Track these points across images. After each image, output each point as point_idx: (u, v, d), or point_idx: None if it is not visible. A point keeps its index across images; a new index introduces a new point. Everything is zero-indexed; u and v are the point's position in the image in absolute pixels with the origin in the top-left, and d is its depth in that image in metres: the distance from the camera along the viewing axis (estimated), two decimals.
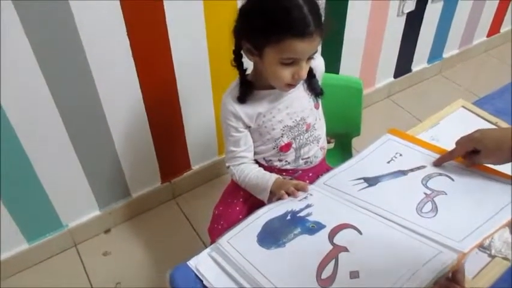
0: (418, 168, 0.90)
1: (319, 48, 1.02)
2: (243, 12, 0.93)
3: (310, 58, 0.93)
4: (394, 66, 2.31)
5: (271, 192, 0.98)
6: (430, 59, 2.46)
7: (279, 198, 0.90)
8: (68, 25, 1.22)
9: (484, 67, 2.65)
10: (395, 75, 2.35)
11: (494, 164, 0.86)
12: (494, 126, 1.14)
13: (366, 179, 0.88)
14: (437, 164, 0.91)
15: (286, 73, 0.92)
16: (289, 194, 0.89)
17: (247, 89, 1.01)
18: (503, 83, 1.36)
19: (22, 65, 1.21)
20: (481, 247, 0.84)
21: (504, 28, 2.76)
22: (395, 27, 2.11)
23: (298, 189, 0.89)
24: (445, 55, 2.53)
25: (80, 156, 1.49)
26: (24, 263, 1.58)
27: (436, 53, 2.45)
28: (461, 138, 0.89)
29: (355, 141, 1.38)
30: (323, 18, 0.90)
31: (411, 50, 2.31)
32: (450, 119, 1.18)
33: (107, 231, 1.71)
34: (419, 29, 2.22)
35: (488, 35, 2.70)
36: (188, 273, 0.77)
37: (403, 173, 0.89)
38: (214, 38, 1.52)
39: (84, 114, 1.42)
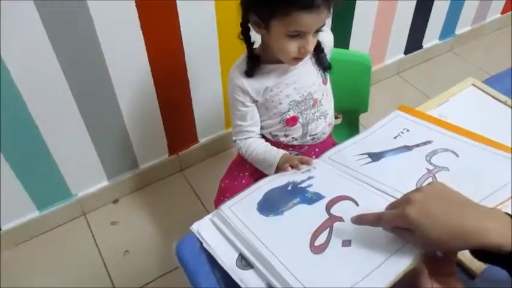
0: (424, 143, 0.90)
1: (329, 23, 1.01)
2: None
3: (317, 31, 0.92)
4: (405, 42, 2.28)
5: (277, 167, 0.99)
6: (442, 36, 2.42)
7: (283, 171, 0.91)
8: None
9: (496, 45, 2.60)
10: (406, 52, 2.33)
11: (424, 250, 0.63)
12: (503, 105, 1.13)
13: (370, 154, 0.89)
14: (357, 223, 0.67)
15: (293, 46, 0.91)
16: (292, 167, 0.90)
17: (255, 63, 1.00)
18: None
19: (32, 36, 1.22)
20: None
21: None
22: (407, 2, 2.07)
23: (302, 163, 0.90)
24: (458, 32, 2.49)
25: (89, 128, 1.51)
26: (35, 231, 1.62)
27: (448, 29, 2.41)
28: (392, 205, 0.65)
29: (362, 118, 1.38)
30: None
31: (423, 26, 2.27)
32: (459, 97, 1.16)
33: (115, 201, 1.75)
34: (432, 4, 2.18)
35: (503, 12, 2.64)
36: (194, 244, 0.78)
37: (408, 148, 0.90)
38: (222, 11, 1.51)
39: (93, 86, 1.43)
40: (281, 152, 1.01)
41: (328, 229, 0.71)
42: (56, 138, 1.46)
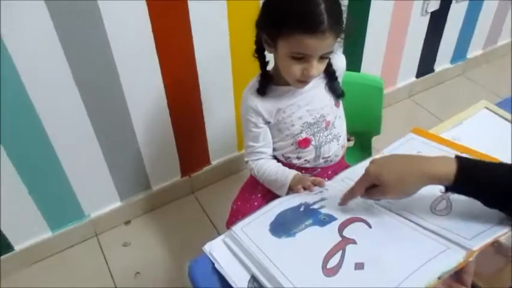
0: None
1: (341, 46, 1.02)
2: (264, 2, 0.94)
3: (323, 58, 0.92)
4: (417, 66, 2.29)
5: (290, 188, 0.99)
6: (454, 59, 2.43)
7: (295, 192, 0.91)
8: (94, 18, 1.26)
9: (508, 69, 2.60)
10: (418, 75, 2.33)
11: (394, 198, 0.78)
12: None
13: None
14: (342, 204, 0.82)
15: (296, 69, 0.92)
16: (305, 189, 0.90)
17: (267, 82, 1.01)
18: None
19: (48, 54, 1.25)
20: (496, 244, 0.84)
21: None
22: (419, 26, 2.09)
23: (315, 185, 0.90)
24: (469, 55, 2.49)
25: (103, 148, 1.53)
26: (48, 251, 1.63)
27: (459, 53, 2.42)
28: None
29: (375, 140, 1.38)
30: (344, 20, 0.90)
31: (434, 50, 2.28)
32: (473, 119, 1.16)
33: (127, 222, 1.75)
34: (443, 28, 2.20)
35: None
36: (206, 265, 0.79)
37: None
38: (236, 34, 1.54)
39: (108, 107, 1.45)
40: (293, 172, 1.01)
41: (340, 251, 0.70)
42: (70, 158, 1.48)
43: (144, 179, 1.72)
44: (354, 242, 0.72)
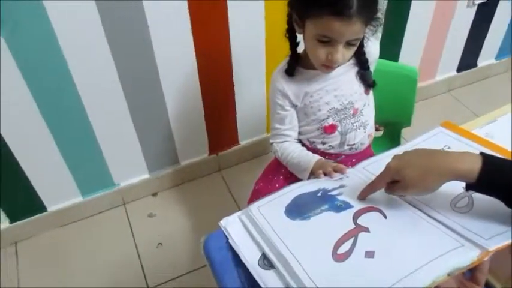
0: None
1: (379, 35, 1.00)
2: None
3: (350, 44, 0.91)
4: (459, 60, 2.20)
5: (312, 172, 0.99)
6: (499, 55, 2.32)
7: (316, 177, 0.91)
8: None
9: None
10: (459, 69, 2.25)
11: (416, 195, 0.76)
12: None
13: None
14: (361, 198, 0.79)
15: (321, 52, 0.91)
16: (325, 174, 0.90)
17: (296, 63, 1.01)
18: None
19: (87, 30, 1.29)
20: None
21: None
22: (464, 18, 2.01)
23: (336, 171, 0.89)
24: None
25: (135, 121, 1.57)
26: (77, 215, 1.70)
27: (506, 49, 2.30)
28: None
29: (405, 133, 1.35)
30: (377, 8, 0.87)
31: (479, 44, 2.19)
32: (508, 117, 1.12)
33: (154, 194, 1.80)
34: (491, 22, 2.10)
35: None
36: (220, 241, 0.80)
37: None
38: (271, 14, 1.53)
39: (142, 81, 1.49)
40: (316, 157, 1.01)
41: (352, 238, 0.70)
42: (103, 129, 1.53)
43: (173, 154, 1.75)
44: (367, 230, 0.72)
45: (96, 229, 1.68)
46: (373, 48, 1.04)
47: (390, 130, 1.37)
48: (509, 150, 0.92)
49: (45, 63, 1.29)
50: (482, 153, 0.69)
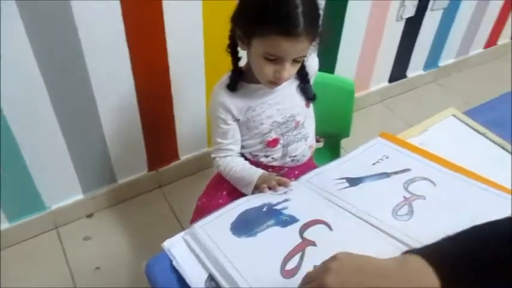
0: (403, 171, 0.90)
1: (316, 47, 1.01)
2: None
3: (296, 61, 0.91)
4: (390, 71, 2.31)
5: (255, 186, 0.98)
6: (426, 66, 2.47)
7: (260, 192, 0.90)
8: (62, 6, 1.21)
9: (479, 78, 2.66)
10: (390, 80, 2.36)
11: None
12: (482, 137, 1.14)
13: (348, 179, 0.89)
14: None
15: (268, 69, 0.91)
16: (270, 188, 0.89)
17: (238, 78, 1.00)
18: (497, 95, 1.36)
19: (12, 42, 1.20)
20: None
21: (502, 41, 2.78)
22: (394, 31, 2.11)
23: (280, 185, 0.89)
24: (441, 63, 2.53)
25: (66, 139, 1.48)
26: (4, 242, 1.56)
27: (432, 60, 2.46)
28: (310, 275, 0.60)
29: (344, 143, 1.38)
30: (320, 25, 0.89)
31: (408, 56, 2.31)
32: (439, 126, 1.18)
33: (90, 215, 1.70)
34: (417, 35, 2.23)
35: (486, 47, 2.71)
36: (164, 263, 0.76)
37: (387, 175, 0.90)
38: (210, 28, 1.51)
39: (74, 96, 1.40)
40: (260, 171, 1.00)
41: (300, 253, 0.70)
42: (31, 148, 1.42)
43: (109, 172, 1.67)
44: (314, 244, 0.71)
45: (26, 256, 1.55)
46: (313, 62, 1.06)
47: (330, 141, 1.39)
48: (442, 158, 0.96)
49: None
50: (434, 266, 0.55)
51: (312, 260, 0.68)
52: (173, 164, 1.81)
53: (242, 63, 1.02)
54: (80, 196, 1.66)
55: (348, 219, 0.77)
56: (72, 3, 1.22)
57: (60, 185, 1.59)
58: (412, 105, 2.37)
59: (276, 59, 0.89)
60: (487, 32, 2.61)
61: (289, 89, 1.04)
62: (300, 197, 0.84)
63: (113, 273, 1.51)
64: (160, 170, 1.79)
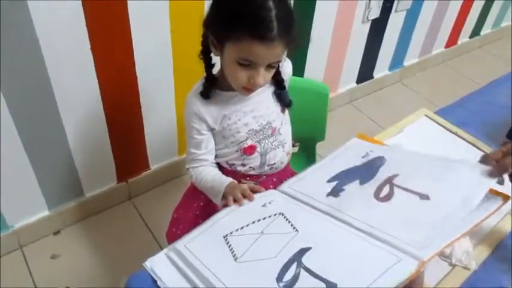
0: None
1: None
2: (214, 2, 0.89)
3: (271, 66, 0.89)
4: (357, 72, 2.33)
5: (224, 195, 0.93)
6: (392, 67, 2.51)
7: (226, 205, 0.87)
8: (21, 11, 1.14)
9: (441, 77, 2.74)
10: (358, 81, 2.38)
11: None
12: (455, 136, 1.17)
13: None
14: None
15: (242, 75, 0.88)
16: (235, 201, 0.86)
17: (212, 85, 0.97)
18: (459, 92, 1.39)
19: None
20: (442, 256, 0.85)
21: (461, 40, 2.87)
22: (360, 33, 2.14)
23: (245, 197, 0.85)
24: (406, 63, 2.59)
25: (28, 153, 1.39)
26: None
27: (397, 60, 2.50)
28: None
29: (318, 146, 1.37)
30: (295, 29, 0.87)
31: (374, 57, 2.34)
32: (413, 127, 1.20)
33: (56, 232, 1.62)
34: (383, 36, 2.26)
35: (447, 46, 2.79)
36: (145, 282, 0.73)
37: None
38: (178, 35, 1.47)
39: (36, 109, 1.33)
40: (229, 179, 0.96)
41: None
42: None
43: (76, 186, 1.60)
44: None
45: None
46: (288, 67, 1.04)
47: (305, 145, 1.38)
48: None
49: None
50: None
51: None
52: (143, 174, 1.76)
53: (215, 70, 0.99)
54: (45, 212, 1.57)
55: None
56: (32, 12, 1.15)
57: (23, 202, 1.50)
58: (380, 105, 2.41)
59: (250, 64, 0.86)
60: (448, 32, 2.69)
61: (264, 95, 1.01)
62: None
63: None
64: (130, 181, 1.73)
